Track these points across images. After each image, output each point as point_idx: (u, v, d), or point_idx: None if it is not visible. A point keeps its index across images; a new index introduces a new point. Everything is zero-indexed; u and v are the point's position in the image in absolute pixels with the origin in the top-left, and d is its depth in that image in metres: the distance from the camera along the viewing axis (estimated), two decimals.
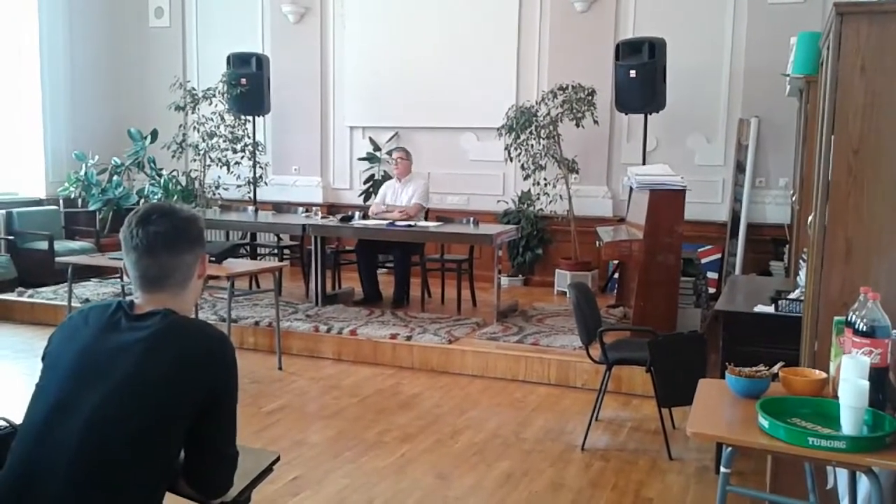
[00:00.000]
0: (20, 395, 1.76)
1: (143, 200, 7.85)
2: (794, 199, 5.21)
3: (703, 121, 7.46)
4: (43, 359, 1.82)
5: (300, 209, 7.61)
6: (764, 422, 1.97)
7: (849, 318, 2.05)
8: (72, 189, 8.30)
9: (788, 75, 4.98)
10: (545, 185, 7.35)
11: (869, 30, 2.40)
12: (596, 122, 7.15)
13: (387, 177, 7.89)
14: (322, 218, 7.08)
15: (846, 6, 2.47)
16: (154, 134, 8.49)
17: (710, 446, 3.82)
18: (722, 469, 2.10)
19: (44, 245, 7.56)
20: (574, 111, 7.09)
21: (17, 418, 1.82)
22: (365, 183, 8.48)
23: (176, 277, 1.80)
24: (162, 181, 8.01)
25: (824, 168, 2.56)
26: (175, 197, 7.78)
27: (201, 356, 1.72)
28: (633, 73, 6.83)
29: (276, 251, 7.96)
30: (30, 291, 7.06)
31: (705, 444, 3.90)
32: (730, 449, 2.05)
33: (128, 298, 1.83)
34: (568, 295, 4.47)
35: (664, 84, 6.88)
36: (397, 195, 6.97)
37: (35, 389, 1.77)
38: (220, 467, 1.79)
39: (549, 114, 7.21)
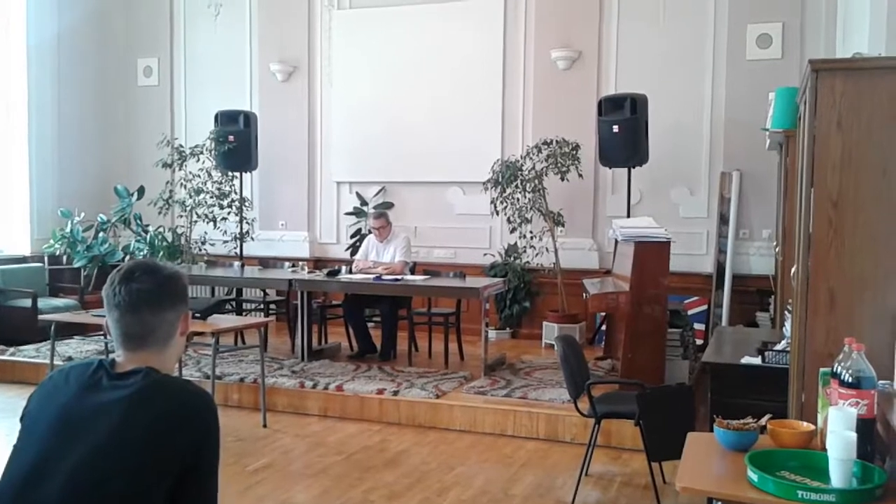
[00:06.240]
0: None
1: (128, 257, 7.81)
2: (777, 250, 5.26)
3: (685, 174, 7.56)
4: (22, 419, 1.78)
5: (286, 264, 7.59)
6: (753, 475, 1.95)
7: (834, 370, 2.05)
8: (57, 246, 8.26)
9: (768, 129, 5.08)
10: (531, 237, 7.41)
11: (844, 86, 2.46)
12: (581, 175, 7.24)
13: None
14: (308, 273, 7.06)
15: (821, 63, 2.53)
16: (141, 191, 8.50)
17: (701, 500, 3.77)
18: None
19: (27, 302, 7.47)
20: (559, 165, 7.17)
21: None
22: (352, 237, 8.50)
23: (158, 335, 1.78)
24: (148, 237, 7.99)
25: (805, 220, 2.60)
26: (161, 253, 7.75)
27: (183, 416, 1.69)
28: (615, 128, 6.94)
29: (261, 306, 7.92)
30: (11, 349, 6.97)
31: (695, 499, 3.84)
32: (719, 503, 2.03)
33: (109, 357, 1.81)
34: (555, 348, 4.44)
35: (647, 138, 6.98)
36: (380, 253, 6.98)
37: (12, 451, 1.73)
38: None
39: (534, 168, 7.29)
